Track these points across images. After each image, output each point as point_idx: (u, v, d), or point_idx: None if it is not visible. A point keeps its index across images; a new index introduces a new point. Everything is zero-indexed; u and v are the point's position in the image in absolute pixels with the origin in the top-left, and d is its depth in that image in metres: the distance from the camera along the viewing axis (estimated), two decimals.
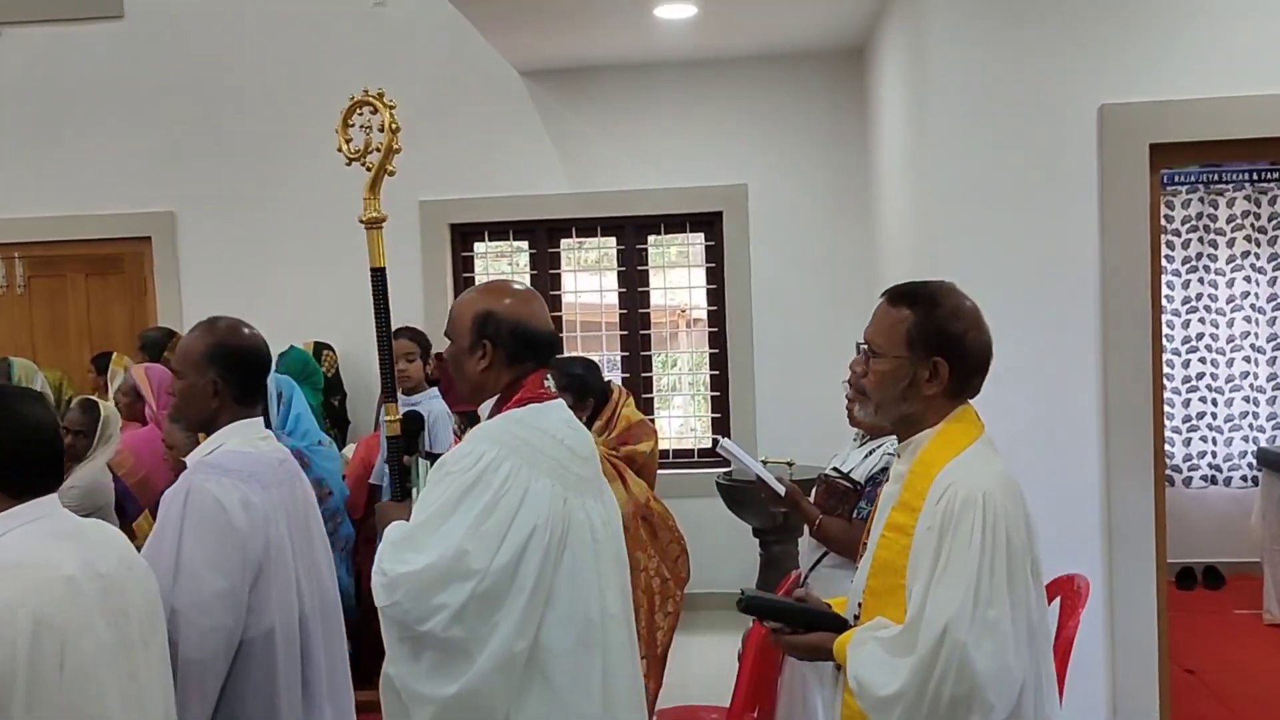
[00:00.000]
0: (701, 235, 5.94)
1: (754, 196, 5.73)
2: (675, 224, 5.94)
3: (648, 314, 6.00)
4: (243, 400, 2.24)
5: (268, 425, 3.59)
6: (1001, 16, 3.35)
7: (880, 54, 4.93)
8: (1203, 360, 6.07)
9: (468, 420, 3.95)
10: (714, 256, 5.89)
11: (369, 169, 2.54)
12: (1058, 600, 2.88)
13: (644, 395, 5.91)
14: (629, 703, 2.12)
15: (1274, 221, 6.01)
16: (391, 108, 2.53)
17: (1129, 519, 3.34)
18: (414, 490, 2.48)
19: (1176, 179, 5.98)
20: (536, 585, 1.94)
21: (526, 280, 6.01)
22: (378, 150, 2.53)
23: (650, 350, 6.01)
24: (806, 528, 3.10)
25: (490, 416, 2.09)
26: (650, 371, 6.03)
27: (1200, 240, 6.04)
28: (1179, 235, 6.04)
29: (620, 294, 5.99)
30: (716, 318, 5.91)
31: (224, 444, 2.20)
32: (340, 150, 2.59)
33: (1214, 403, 6.08)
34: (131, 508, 3.97)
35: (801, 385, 5.58)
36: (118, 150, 6.01)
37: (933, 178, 3.52)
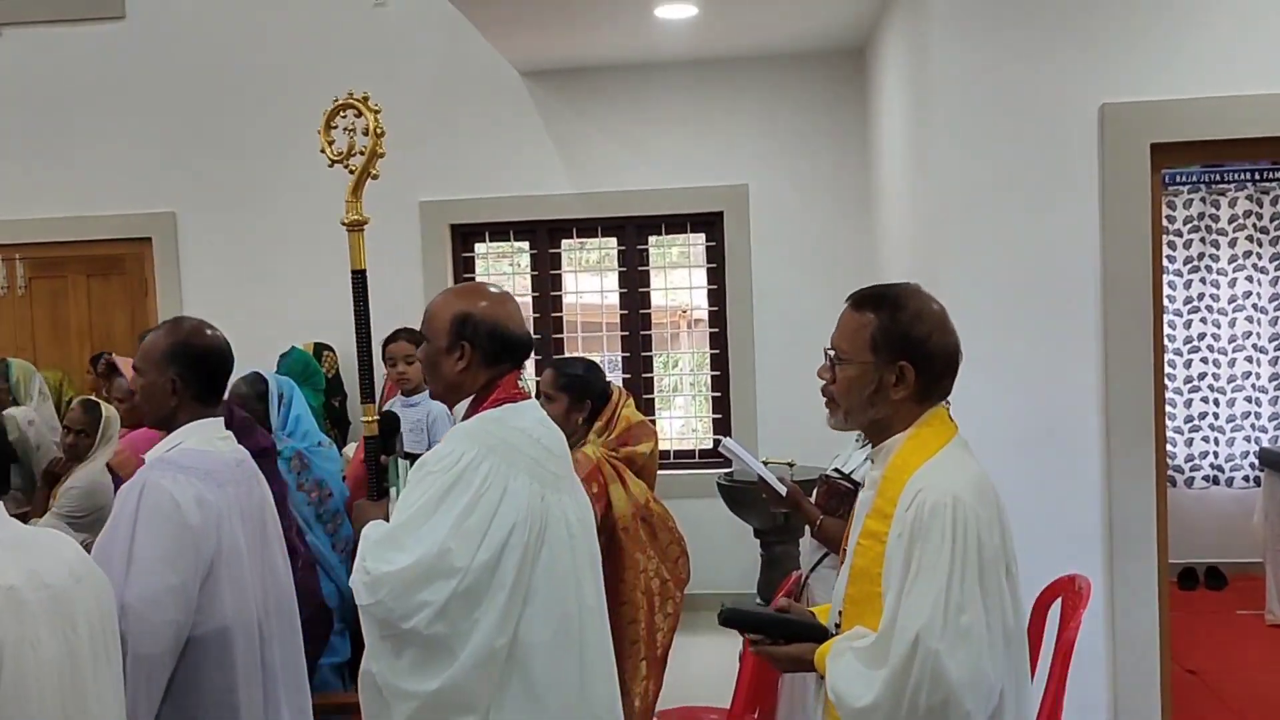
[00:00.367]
0: (702, 235, 5.94)
1: (755, 197, 5.72)
2: (676, 224, 5.94)
3: (649, 314, 6.00)
4: (202, 399, 2.27)
5: (268, 427, 3.62)
6: (1002, 16, 3.34)
7: (881, 54, 4.92)
8: (1204, 360, 6.06)
9: None
10: (715, 257, 5.89)
11: (352, 171, 2.54)
12: (1059, 601, 2.87)
13: (645, 396, 5.91)
14: (606, 693, 2.18)
15: (1276, 221, 6.00)
16: (376, 111, 2.53)
17: (1130, 519, 3.33)
18: (391, 489, 2.50)
19: (1178, 179, 5.97)
20: (516, 581, 2.00)
21: (528, 281, 6.02)
22: (361, 153, 2.52)
23: (651, 351, 6.01)
24: (808, 528, 3.10)
25: (466, 417, 2.15)
26: (651, 372, 6.02)
27: (1202, 240, 6.03)
28: (1180, 235, 6.03)
29: (621, 294, 5.99)
30: (717, 318, 5.91)
31: (182, 442, 2.22)
32: (323, 152, 2.59)
33: (1216, 403, 6.07)
34: None
35: (803, 386, 5.47)
36: (119, 151, 6.01)
37: (934, 178, 3.52)
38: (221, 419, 2.34)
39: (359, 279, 2.53)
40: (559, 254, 6.02)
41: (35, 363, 5.60)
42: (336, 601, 3.49)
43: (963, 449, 1.86)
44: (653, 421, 5.72)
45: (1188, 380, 6.08)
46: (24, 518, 4.37)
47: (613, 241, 5.98)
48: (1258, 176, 5.95)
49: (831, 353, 1.90)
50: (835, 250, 5.62)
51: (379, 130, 2.51)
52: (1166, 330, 5.75)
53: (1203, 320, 6.06)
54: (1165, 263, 5.81)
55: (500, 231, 6.00)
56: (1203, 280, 6.04)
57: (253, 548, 2.24)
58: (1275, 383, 6.03)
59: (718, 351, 5.90)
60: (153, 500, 2.08)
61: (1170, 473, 5.90)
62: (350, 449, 4.68)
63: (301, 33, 5.86)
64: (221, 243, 5.99)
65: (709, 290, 5.92)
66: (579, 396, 3.32)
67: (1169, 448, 5.70)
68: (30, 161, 6.06)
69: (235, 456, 2.30)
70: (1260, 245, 6.00)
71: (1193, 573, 5.94)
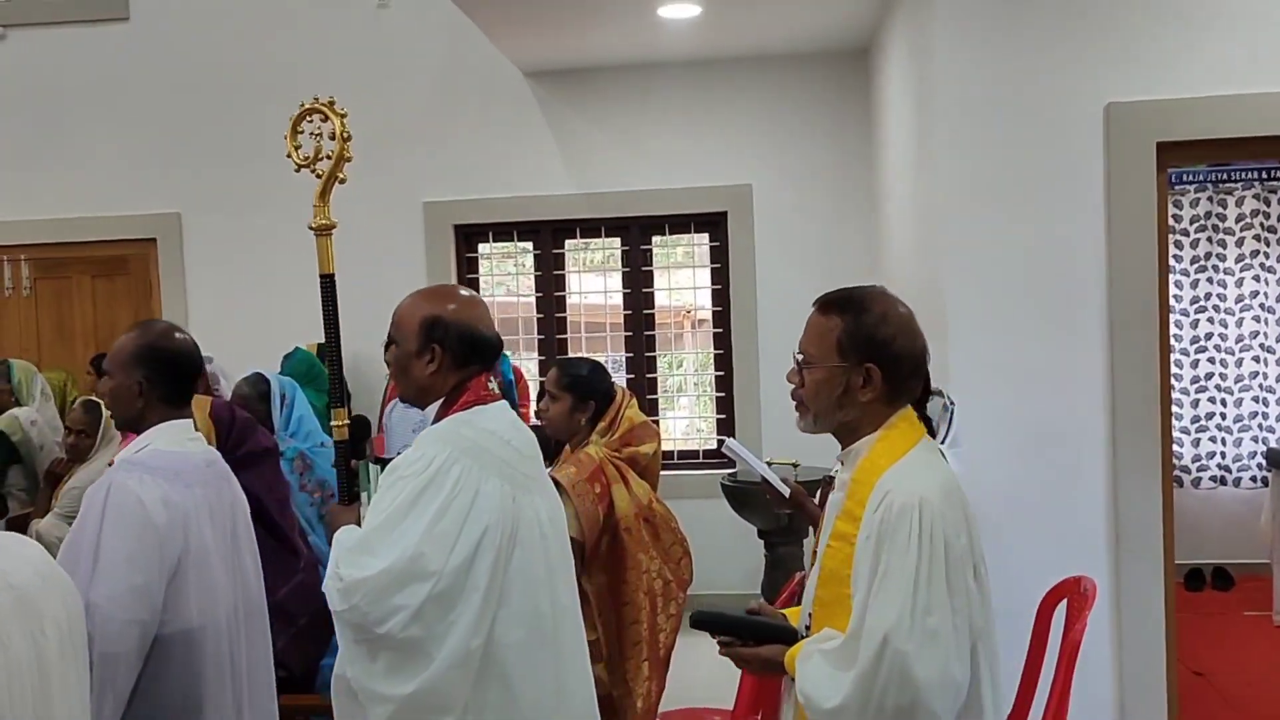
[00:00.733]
0: (706, 235, 5.93)
1: (759, 197, 5.71)
2: (680, 224, 5.93)
3: (652, 315, 5.99)
4: (170, 401, 2.28)
5: (270, 427, 3.61)
6: (1006, 16, 3.33)
7: (885, 54, 4.91)
8: (1211, 360, 6.04)
9: None
10: (719, 257, 5.87)
11: (319, 176, 2.53)
12: (1064, 603, 2.86)
13: (649, 396, 5.90)
14: (582, 690, 2.20)
15: None
16: (342, 116, 2.53)
17: (1137, 520, 3.32)
18: (363, 494, 2.50)
19: (1184, 178, 5.95)
20: (490, 583, 2.01)
21: (532, 282, 6.02)
22: (328, 158, 2.52)
23: (655, 351, 6.00)
24: (811, 529, 3.08)
25: (436, 419, 2.16)
26: (655, 372, 6.01)
27: (1209, 240, 6.01)
28: (1187, 235, 6.01)
29: (625, 294, 5.98)
30: (721, 318, 5.90)
31: (151, 443, 2.23)
32: (289, 157, 2.59)
33: (1223, 403, 6.05)
34: None
35: None
36: (123, 152, 6.01)
37: (938, 178, 3.50)
38: (191, 421, 2.35)
39: (327, 283, 2.52)
40: (563, 254, 6.01)
41: (40, 364, 5.60)
42: None
43: (930, 451, 1.88)
44: (656, 422, 5.72)
45: (1195, 380, 6.05)
46: (27, 518, 4.38)
47: (616, 242, 5.97)
48: (1265, 175, 5.93)
49: (799, 356, 1.93)
50: (839, 250, 5.60)
51: (345, 135, 2.51)
52: (1173, 330, 5.72)
53: (1210, 320, 6.03)
54: (1172, 262, 5.79)
55: (504, 232, 5.99)
56: (1210, 280, 6.02)
57: (222, 549, 2.25)
58: None
59: (722, 352, 5.89)
60: (118, 500, 2.09)
61: (1177, 473, 5.88)
62: None
63: (305, 34, 5.86)
64: (226, 243, 5.98)
65: (713, 290, 5.91)
66: (583, 396, 3.31)
67: (1176, 448, 5.67)
68: (35, 162, 6.07)
69: (205, 458, 2.31)
70: (1268, 244, 5.97)
71: (1200, 573, 5.92)
